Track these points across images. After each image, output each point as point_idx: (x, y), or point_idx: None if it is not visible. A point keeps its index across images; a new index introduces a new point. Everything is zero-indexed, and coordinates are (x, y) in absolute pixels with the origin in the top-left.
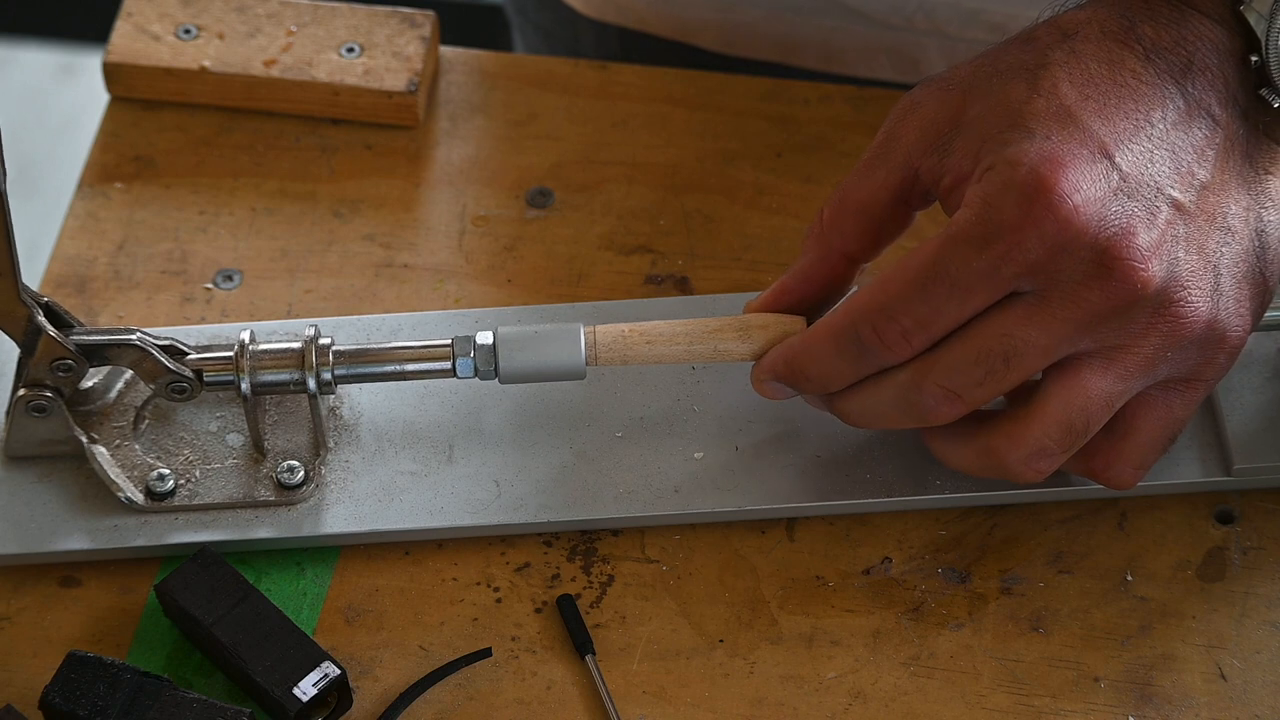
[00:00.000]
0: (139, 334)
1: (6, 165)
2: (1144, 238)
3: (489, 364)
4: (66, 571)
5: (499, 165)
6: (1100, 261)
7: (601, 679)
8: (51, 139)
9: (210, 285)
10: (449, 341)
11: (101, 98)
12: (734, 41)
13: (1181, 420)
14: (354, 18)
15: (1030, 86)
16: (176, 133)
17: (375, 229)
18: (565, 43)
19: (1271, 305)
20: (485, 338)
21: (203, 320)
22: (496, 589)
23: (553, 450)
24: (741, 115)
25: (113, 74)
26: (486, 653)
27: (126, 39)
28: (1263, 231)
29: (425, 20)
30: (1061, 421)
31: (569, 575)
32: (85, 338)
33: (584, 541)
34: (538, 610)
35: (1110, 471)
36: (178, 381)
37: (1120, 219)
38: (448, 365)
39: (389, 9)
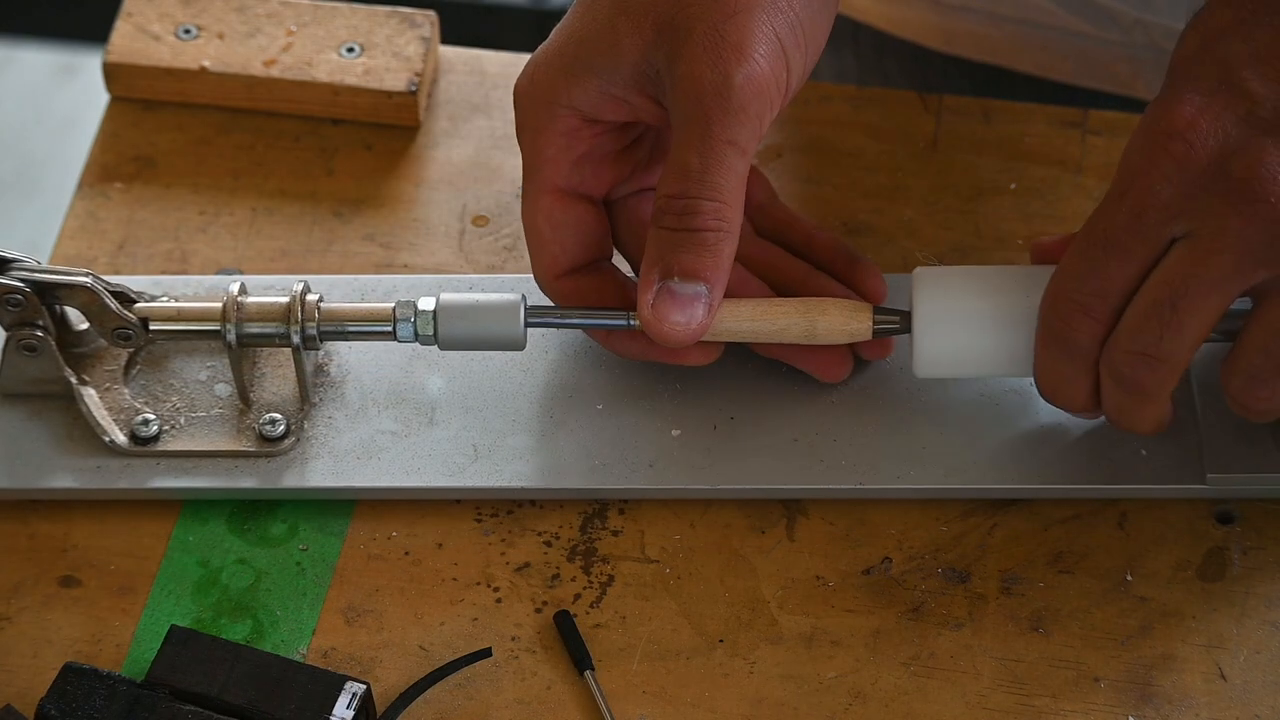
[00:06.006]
0: (92, 277)
1: (6, 165)
2: (1273, 156)
3: (429, 329)
4: (66, 571)
5: (499, 165)
6: (1231, 188)
7: (601, 694)
8: (51, 139)
9: None
10: (392, 305)
11: (101, 98)
12: (954, 41)
13: None
14: (354, 18)
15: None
16: (176, 133)
17: (375, 229)
18: None
19: None
20: (427, 304)
21: None
22: (496, 589)
23: (533, 419)
24: None
25: (113, 74)
26: (486, 653)
27: (126, 39)
28: None
29: (425, 20)
30: (1260, 346)
31: (569, 575)
32: (35, 275)
33: (584, 541)
34: (538, 610)
35: None
36: (122, 328)
37: (1243, 143)
38: (388, 328)
39: (389, 9)
